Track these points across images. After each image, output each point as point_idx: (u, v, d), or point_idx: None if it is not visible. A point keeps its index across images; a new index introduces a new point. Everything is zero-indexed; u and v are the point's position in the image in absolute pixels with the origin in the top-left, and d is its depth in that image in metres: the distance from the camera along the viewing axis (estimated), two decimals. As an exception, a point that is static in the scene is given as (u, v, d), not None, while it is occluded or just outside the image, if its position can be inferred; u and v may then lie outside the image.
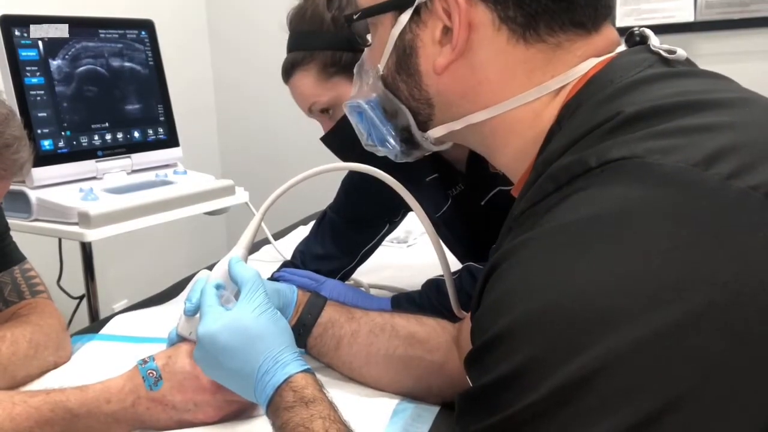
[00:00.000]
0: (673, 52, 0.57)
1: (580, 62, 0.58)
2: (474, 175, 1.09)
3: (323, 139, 1.13)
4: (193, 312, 0.82)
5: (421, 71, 0.63)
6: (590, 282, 0.43)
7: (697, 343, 0.40)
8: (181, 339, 0.84)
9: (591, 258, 0.44)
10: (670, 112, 0.50)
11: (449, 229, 1.13)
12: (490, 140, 0.63)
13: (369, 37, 0.69)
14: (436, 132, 0.66)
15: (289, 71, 1.11)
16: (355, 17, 0.66)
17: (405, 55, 0.63)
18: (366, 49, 0.70)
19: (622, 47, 0.61)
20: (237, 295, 0.79)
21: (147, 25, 1.62)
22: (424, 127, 0.67)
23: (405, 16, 0.61)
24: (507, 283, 0.48)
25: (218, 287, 0.80)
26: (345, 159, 1.11)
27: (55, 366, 0.99)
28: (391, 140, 0.69)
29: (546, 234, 0.48)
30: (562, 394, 0.41)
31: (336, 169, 0.91)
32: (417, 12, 0.61)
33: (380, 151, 0.72)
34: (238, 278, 0.79)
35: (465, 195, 1.14)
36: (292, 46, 1.10)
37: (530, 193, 0.54)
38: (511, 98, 0.59)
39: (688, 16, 2.17)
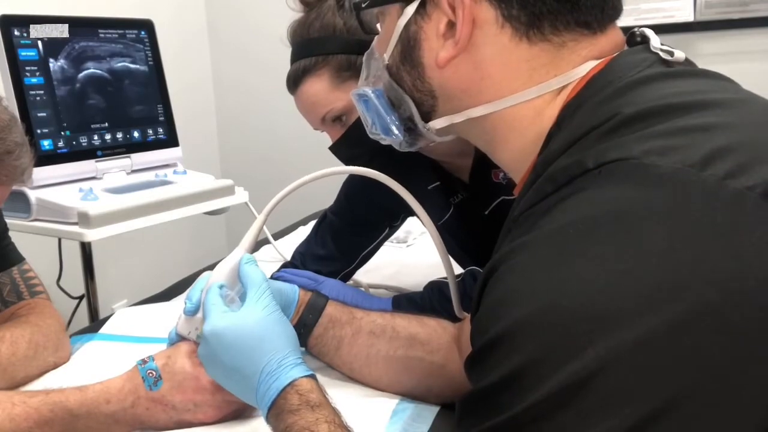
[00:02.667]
0: (671, 54, 0.57)
1: (584, 62, 0.58)
2: (477, 184, 1.09)
3: (332, 148, 1.12)
4: (193, 311, 0.82)
5: (424, 63, 0.63)
6: (588, 283, 0.43)
7: (695, 343, 0.40)
8: (180, 338, 0.84)
9: (588, 259, 0.44)
10: (666, 113, 0.50)
11: (452, 237, 1.13)
12: (490, 136, 0.64)
13: (378, 26, 0.70)
14: (437, 123, 0.67)
15: (298, 78, 1.08)
16: (363, 5, 0.67)
17: (409, 46, 0.64)
18: (375, 37, 0.71)
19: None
20: (242, 297, 0.79)
21: (146, 25, 1.62)
22: (426, 117, 0.67)
23: (411, 8, 0.62)
24: (505, 286, 0.48)
25: (221, 287, 0.80)
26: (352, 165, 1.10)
27: (55, 366, 0.99)
28: (395, 129, 0.70)
29: (543, 236, 0.48)
30: (562, 395, 0.41)
31: (341, 172, 0.91)
32: (423, 5, 0.62)
33: (384, 140, 0.73)
34: (246, 278, 0.78)
35: (467, 204, 1.13)
36: (301, 54, 1.08)
37: (529, 194, 0.54)
38: (512, 95, 0.60)
39: (687, 15, 2.17)
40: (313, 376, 0.72)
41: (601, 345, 0.41)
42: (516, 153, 0.62)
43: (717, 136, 0.48)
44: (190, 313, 0.82)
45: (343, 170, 0.93)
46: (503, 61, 0.59)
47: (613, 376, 0.41)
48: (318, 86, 1.07)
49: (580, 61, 0.58)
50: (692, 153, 0.46)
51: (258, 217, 0.85)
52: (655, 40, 0.59)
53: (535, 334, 0.44)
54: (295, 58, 1.09)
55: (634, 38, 0.61)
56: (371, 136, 0.75)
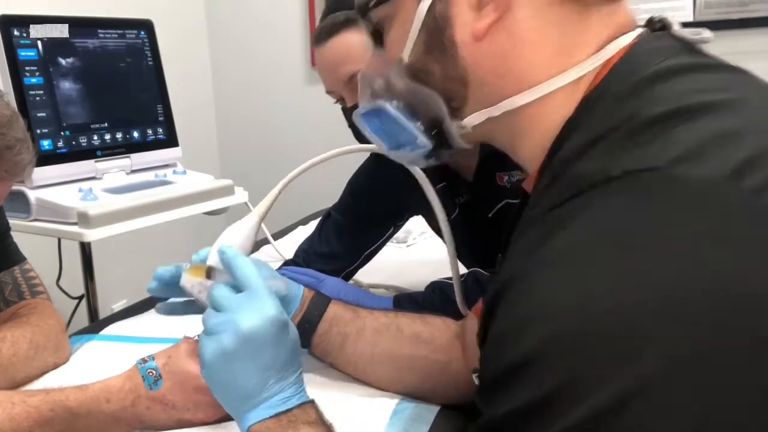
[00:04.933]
0: (698, 34, 0.56)
1: (609, 32, 0.57)
2: (481, 186, 1.09)
3: (350, 111, 1.06)
4: (197, 262, 0.83)
5: (457, 42, 0.59)
6: (616, 303, 0.41)
7: (729, 362, 0.39)
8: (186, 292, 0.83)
9: (615, 276, 0.42)
10: (688, 115, 0.48)
11: (456, 237, 1.13)
12: (524, 125, 0.60)
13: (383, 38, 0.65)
14: (474, 119, 0.61)
15: (336, 28, 1.01)
16: (371, 4, 0.63)
17: (437, 29, 0.60)
18: (376, 53, 0.66)
19: (640, 30, 0.59)
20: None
21: (146, 25, 1.62)
22: (458, 114, 0.62)
23: None
24: (525, 305, 0.45)
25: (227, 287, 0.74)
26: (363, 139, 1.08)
27: (54, 367, 0.99)
28: (421, 136, 0.63)
29: (561, 251, 0.46)
30: (596, 421, 0.40)
31: (362, 149, 0.88)
32: None
33: (405, 157, 0.67)
34: (240, 279, 0.73)
35: (471, 204, 1.13)
36: (344, 4, 1.01)
37: (547, 196, 0.52)
38: (545, 82, 0.57)
39: (687, 16, 2.17)
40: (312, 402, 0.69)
41: (636, 366, 0.39)
42: (534, 145, 0.59)
43: (744, 142, 0.46)
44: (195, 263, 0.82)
45: (364, 148, 0.89)
46: (536, 24, 0.57)
47: (651, 397, 0.39)
48: (357, 38, 1.00)
49: (606, 32, 0.57)
50: (722, 162, 0.44)
51: (274, 189, 0.83)
52: (676, 26, 0.57)
53: (565, 356, 0.41)
54: (334, 9, 1.02)
55: (653, 25, 0.59)
56: (390, 155, 0.68)
